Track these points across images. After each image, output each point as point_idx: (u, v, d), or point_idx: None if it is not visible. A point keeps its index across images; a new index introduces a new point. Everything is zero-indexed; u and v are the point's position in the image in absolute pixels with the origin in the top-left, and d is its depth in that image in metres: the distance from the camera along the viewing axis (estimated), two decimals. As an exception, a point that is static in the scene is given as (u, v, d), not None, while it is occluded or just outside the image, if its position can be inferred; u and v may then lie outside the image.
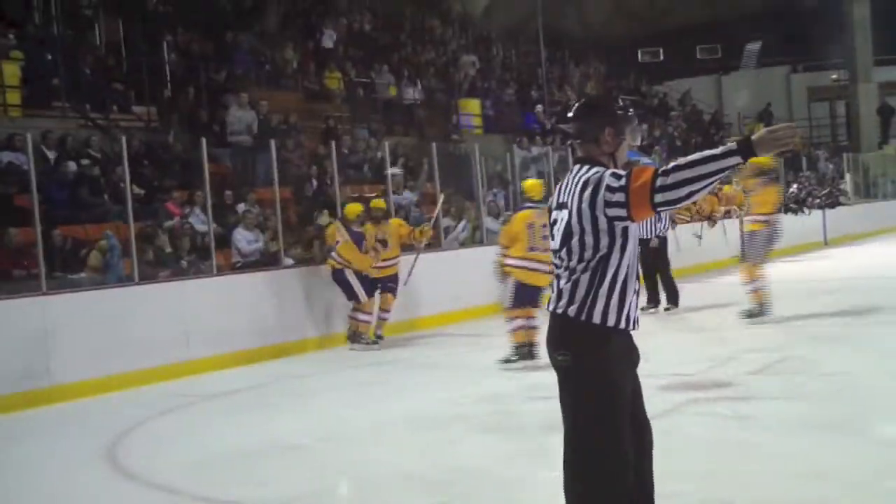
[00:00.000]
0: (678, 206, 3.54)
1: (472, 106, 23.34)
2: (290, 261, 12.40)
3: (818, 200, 25.17)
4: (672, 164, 3.53)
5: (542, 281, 9.38)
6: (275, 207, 12.39)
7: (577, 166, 3.81)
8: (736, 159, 3.44)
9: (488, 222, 14.99)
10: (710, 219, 18.80)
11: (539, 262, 9.39)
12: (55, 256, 10.81)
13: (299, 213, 14.32)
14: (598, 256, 3.68)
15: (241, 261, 12.21)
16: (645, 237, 14.32)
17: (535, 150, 19.77)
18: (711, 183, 3.44)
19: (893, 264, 18.93)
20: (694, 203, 18.06)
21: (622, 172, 3.64)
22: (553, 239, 3.84)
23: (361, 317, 11.76)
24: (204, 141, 11.80)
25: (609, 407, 3.68)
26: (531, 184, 10.47)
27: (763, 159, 10.69)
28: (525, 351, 9.60)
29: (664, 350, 10.35)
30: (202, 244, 11.85)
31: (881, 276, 16.71)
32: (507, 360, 9.63)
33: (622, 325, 3.73)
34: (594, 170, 3.71)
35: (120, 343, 9.97)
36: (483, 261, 12.01)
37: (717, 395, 7.59)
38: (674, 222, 14.85)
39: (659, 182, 3.49)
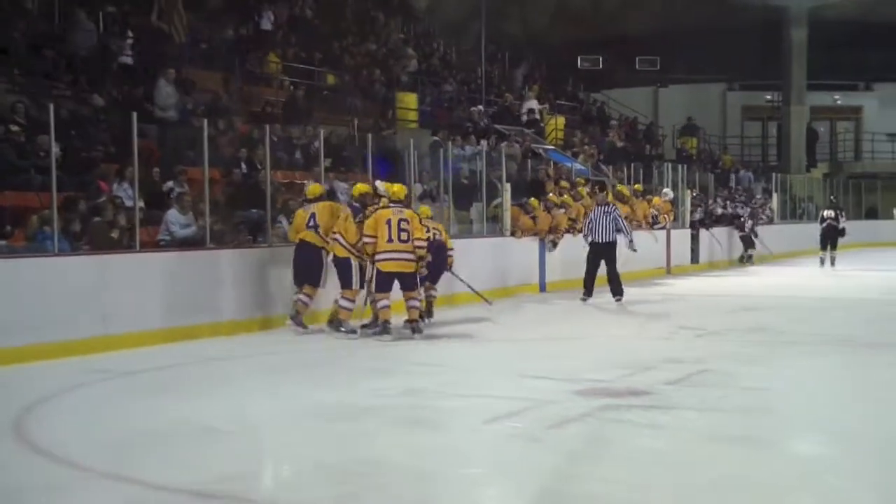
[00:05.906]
0: None
1: (410, 100, 23.33)
2: (212, 244, 12.21)
3: (756, 219, 25.59)
4: None
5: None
6: (202, 188, 12.19)
7: None
8: None
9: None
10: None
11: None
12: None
13: (228, 196, 14.13)
14: None
15: (166, 240, 12.02)
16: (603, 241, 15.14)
17: (469, 149, 19.78)
18: None
19: (812, 285, 19.31)
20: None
21: None
22: None
23: (344, 303, 11.65)
24: (135, 115, 11.57)
25: None
26: (398, 188, 11.77)
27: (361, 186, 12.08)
28: (388, 327, 11.36)
29: (582, 355, 10.42)
30: (128, 220, 11.62)
31: (800, 296, 17.03)
32: (365, 326, 11.64)
33: None
34: None
35: (34, 314, 9.70)
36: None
37: (633, 403, 7.63)
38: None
39: None
